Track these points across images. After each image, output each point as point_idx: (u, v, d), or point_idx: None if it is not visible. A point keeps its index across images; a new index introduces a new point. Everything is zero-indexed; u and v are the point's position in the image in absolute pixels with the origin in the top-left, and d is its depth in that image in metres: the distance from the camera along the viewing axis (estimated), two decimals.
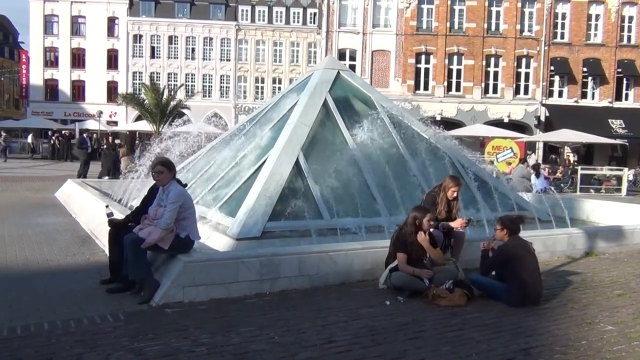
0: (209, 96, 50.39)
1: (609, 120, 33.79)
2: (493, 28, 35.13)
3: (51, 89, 50.57)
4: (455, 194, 6.75)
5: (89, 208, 10.52)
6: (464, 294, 5.53)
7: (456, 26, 35.02)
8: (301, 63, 51.49)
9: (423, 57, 35.21)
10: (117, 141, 24.37)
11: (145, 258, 5.42)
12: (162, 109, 35.24)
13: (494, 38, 34.92)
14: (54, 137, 36.64)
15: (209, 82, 50.94)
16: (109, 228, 6.01)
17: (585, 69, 35.13)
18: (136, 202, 11.26)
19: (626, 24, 35.51)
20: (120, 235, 5.74)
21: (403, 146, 10.02)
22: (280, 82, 51.19)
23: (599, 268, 7.39)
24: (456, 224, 6.62)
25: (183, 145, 11.50)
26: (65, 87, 50.27)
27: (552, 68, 35.16)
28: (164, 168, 5.54)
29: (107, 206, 6.27)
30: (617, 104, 35.15)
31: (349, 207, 8.53)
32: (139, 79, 48.46)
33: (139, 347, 4.18)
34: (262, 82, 51.71)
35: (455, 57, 35.21)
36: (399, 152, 9.97)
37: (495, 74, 35.40)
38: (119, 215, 6.65)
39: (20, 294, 5.54)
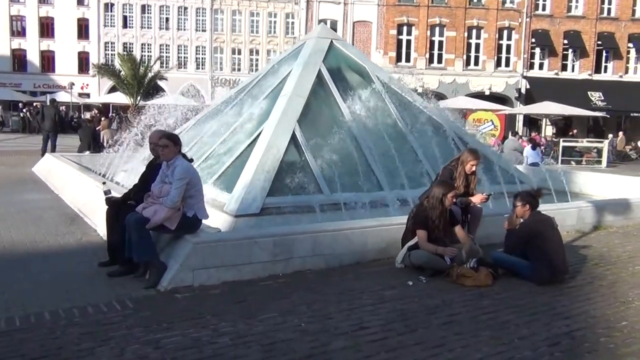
0: (184, 68, 49.02)
1: (589, 93, 33.92)
2: None
3: (19, 59, 48.46)
4: (474, 168, 6.40)
5: (73, 184, 9.97)
6: (489, 273, 5.27)
7: None
8: (279, 34, 50.34)
9: (405, 28, 34.69)
10: (93, 113, 23.43)
11: (150, 239, 4.99)
12: (139, 80, 34.11)
13: (475, 9, 34.55)
14: (24, 110, 35.29)
15: (184, 53, 49.48)
16: (107, 207, 5.57)
17: (565, 41, 35.10)
18: (121, 177, 10.78)
19: None
20: (119, 214, 5.31)
21: (400, 118, 9.72)
22: (257, 54, 50.01)
23: (612, 242, 7.22)
24: (476, 200, 6.30)
25: (171, 119, 11.00)
26: (33, 58, 48.26)
27: (533, 40, 35.04)
28: (170, 142, 5.07)
29: (104, 183, 5.82)
30: (596, 77, 35.29)
31: (349, 181, 8.22)
32: (112, 50, 46.83)
33: (156, 339, 3.81)
34: (239, 53, 50.38)
35: (437, 29, 34.78)
36: (396, 124, 9.67)
37: (477, 46, 35.14)
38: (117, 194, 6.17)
39: (13, 279, 5.06)
